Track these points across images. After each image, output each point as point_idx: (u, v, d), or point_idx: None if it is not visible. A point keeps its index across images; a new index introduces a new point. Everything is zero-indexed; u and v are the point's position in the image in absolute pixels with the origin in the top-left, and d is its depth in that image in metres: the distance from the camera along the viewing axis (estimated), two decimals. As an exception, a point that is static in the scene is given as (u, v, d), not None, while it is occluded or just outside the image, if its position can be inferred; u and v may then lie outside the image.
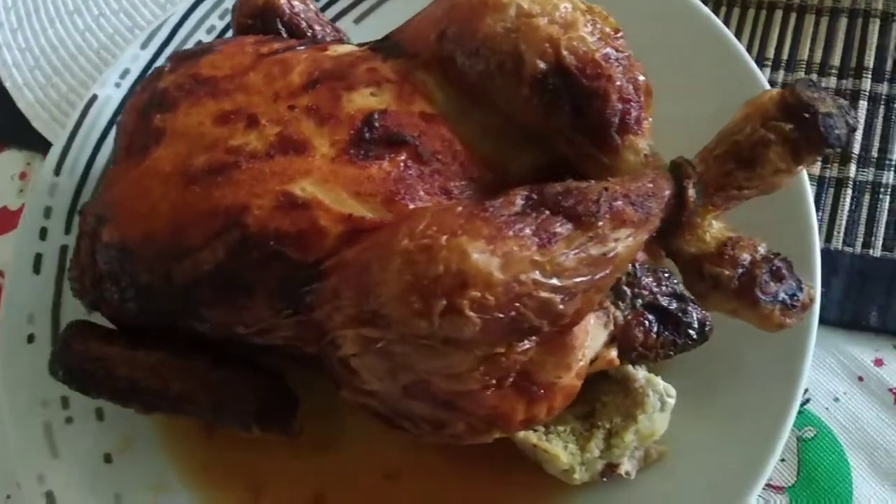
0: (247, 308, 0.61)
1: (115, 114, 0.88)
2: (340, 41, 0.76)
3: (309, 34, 0.75)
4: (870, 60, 0.82)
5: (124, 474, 0.77)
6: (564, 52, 0.58)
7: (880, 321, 0.74)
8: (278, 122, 0.62)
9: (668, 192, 0.56)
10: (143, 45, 0.90)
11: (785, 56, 0.84)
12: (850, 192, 0.78)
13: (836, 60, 0.83)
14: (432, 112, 0.62)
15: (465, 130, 0.63)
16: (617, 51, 0.59)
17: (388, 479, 0.74)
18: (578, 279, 0.53)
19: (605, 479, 0.68)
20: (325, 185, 0.59)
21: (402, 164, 0.59)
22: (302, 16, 0.75)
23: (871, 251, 0.76)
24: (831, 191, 0.79)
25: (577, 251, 0.53)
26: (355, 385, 0.60)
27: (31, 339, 0.80)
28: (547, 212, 0.53)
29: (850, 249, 0.76)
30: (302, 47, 0.68)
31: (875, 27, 0.84)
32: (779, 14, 0.86)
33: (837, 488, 0.70)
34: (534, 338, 0.54)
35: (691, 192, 0.56)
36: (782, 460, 0.72)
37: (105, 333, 0.70)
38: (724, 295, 0.56)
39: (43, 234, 0.84)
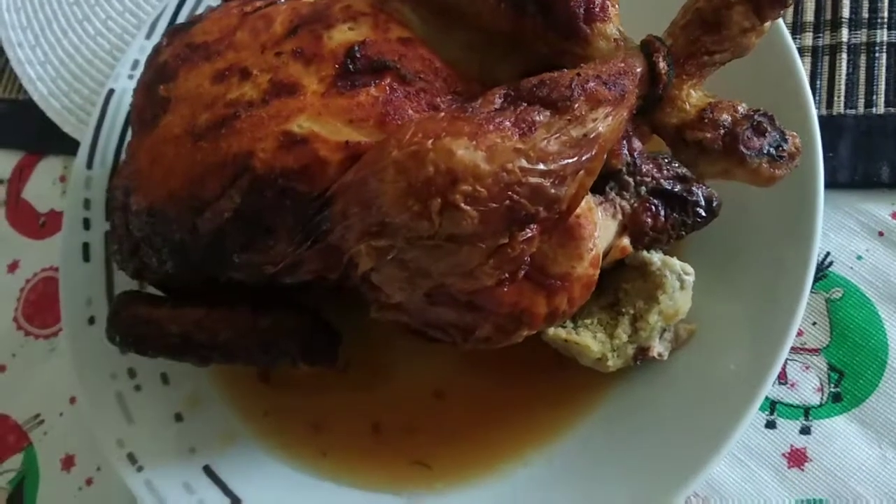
0: (271, 247, 0.65)
1: (133, 104, 0.93)
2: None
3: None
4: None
5: (195, 430, 0.82)
6: (523, -46, 0.60)
7: (892, 175, 0.74)
8: (268, 69, 0.65)
9: (639, 69, 0.58)
10: (148, 35, 0.95)
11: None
12: (845, 55, 0.78)
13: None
14: (409, 36, 0.65)
15: (446, 50, 0.65)
16: (572, -56, 0.61)
17: (437, 398, 0.78)
18: (564, 161, 0.55)
19: (638, 363, 0.70)
20: (319, 119, 0.62)
21: (387, 87, 0.62)
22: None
23: (874, 109, 0.76)
24: (826, 58, 0.79)
25: (557, 135, 0.55)
26: (382, 301, 0.64)
27: (91, 321, 0.86)
28: (524, 104, 0.56)
29: (852, 111, 0.77)
30: (282, 0, 0.71)
31: None
32: None
33: (872, 342, 0.70)
34: (534, 226, 0.57)
35: (662, 64, 0.57)
36: (814, 323, 0.73)
37: (151, 298, 0.75)
38: (711, 158, 0.57)
39: (86, 224, 0.90)
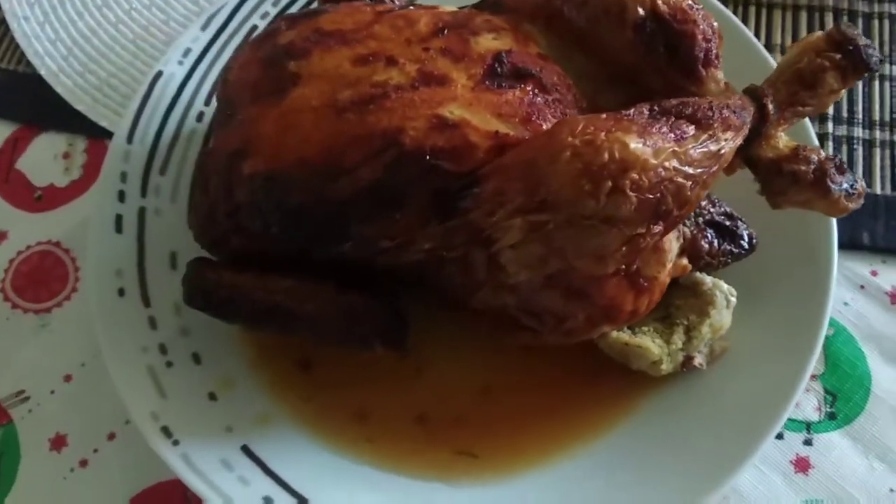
0: (397, 221, 0.69)
1: (180, 88, 0.94)
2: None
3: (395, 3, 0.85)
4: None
5: (231, 410, 0.81)
6: (659, 2, 0.71)
7: (871, 241, 0.91)
8: (416, 60, 0.71)
9: (752, 107, 0.70)
10: (203, 27, 0.97)
11: (762, 41, 1.02)
12: (831, 143, 0.96)
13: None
14: (545, 53, 0.74)
15: (568, 71, 0.75)
16: (695, 2, 0.73)
17: (483, 394, 0.83)
18: (701, 170, 0.65)
19: (684, 370, 0.79)
20: (470, 108, 0.68)
21: (531, 92, 0.70)
22: (400, -15, 0.85)
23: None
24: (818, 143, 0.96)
25: (701, 146, 0.65)
26: (500, 280, 0.69)
27: (121, 292, 0.84)
28: (673, 117, 0.66)
29: (839, 187, 0.94)
30: (412, 7, 0.78)
31: (829, 19, 1.03)
32: (752, 10, 1.05)
33: (858, 371, 0.85)
34: (663, 223, 0.66)
35: (770, 106, 0.70)
36: (812, 355, 0.86)
37: (232, 266, 0.76)
38: (802, 187, 0.70)
39: (121, 196, 0.88)
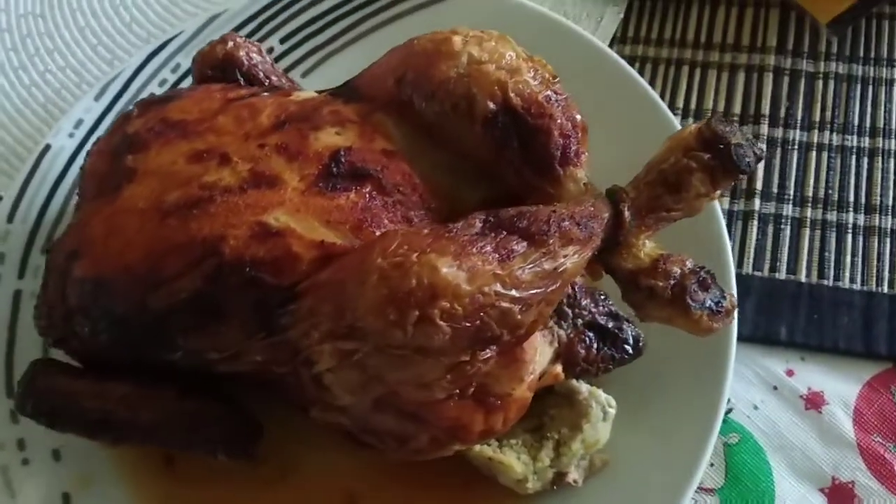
0: (221, 333, 0.65)
1: (69, 163, 0.91)
2: (297, 89, 0.82)
3: (266, 84, 0.81)
4: (765, 108, 0.93)
5: (83, 511, 0.78)
6: (511, 94, 0.65)
7: (789, 336, 0.82)
8: (250, 159, 0.67)
9: (606, 215, 0.63)
10: (97, 97, 0.93)
11: (693, 105, 0.95)
12: (756, 223, 0.88)
13: (736, 108, 0.94)
14: (392, 149, 0.68)
15: (422, 167, 0.69)
16: (556, 93, 0.67)
17: (348, 501, 0.78)
18: (533, 291, 0.59)
19: (555, 488, 0.73)
20: (297, 215, 0.64)
21: (367, 195, 0.65)
22: (260, 67, 0.81)
23: (777, 274, 0.85)
24: (739, 222, 0.88)
25: (532, 266, 0.59)
26: (327, 401, 0.64)
27: (-15, 383, 0.81)
28: (504, 232, 0.60)
29: (759, 273, 0.86)
30: (266, 94, 0.73)
31: (769, 80, 0.95)
32: (685, 69, 0.97)
33: (761, 487, 0.77)
34: (494, 347, 0.60)
35: (627, 213, 0.63)
36: (711, 465, 0.79)
37: (70, 369, 0.73)
38: (659, 303, 0.63)
39: (-5, 279, 0.86)
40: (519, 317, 0.59)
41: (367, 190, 0.65)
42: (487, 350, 0.60)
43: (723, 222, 0.77)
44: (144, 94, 0.94)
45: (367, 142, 0.68)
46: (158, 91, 0.94)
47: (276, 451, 0.78)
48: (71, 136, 0.92)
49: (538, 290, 0.60)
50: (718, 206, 0.78)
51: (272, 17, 0.96)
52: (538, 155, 0.66)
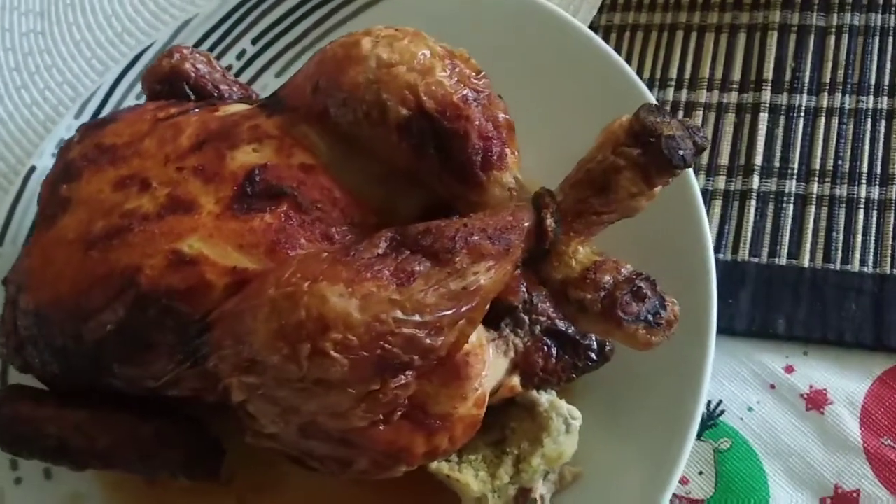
0: (151, 363, 0.64)
1: (54, 183, 0.92)
2: (248, 98, 0.79)
3: (216, 94, 0.79)
4: (769, 73, 0.84)
5: (72, 528, 0.79)
6: (424, 98, 0.61)
7: (788, 328, 0.74)
8: (168, 183, 0.65)
9: (527, 224, 0.58)
10: (77, 115, 0.94)
11: (687, 75, 0.86)
12: (754, 203, 0.80)
13: (736, 75, 0.85)
14: (312, 163, 0.65)
15: (349, 178, 0.65)
16: (476, 91, 0.61)
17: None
18: (441, 313, 0.55)
19: (519, 504, 0.69)
20: (210, 241, 0.62)
21: (282, 214, 0.62)
22: (207, 77, 0.79)
23: (776, 260, 0.77)
24: (736, 203, 0.80)
25: (435, 287, 0.55)
26: (256, 429, 0.62)
27: (-23, 407, 0.84)
28: (407, 252, 0.56)
29: (756, 259, 0.78)
30: (196, 110, 0.71)
31: (773, 40, 0.85)
32: (679, 35, 0.88)
33: (755, 497, 0.70)
34: (409, 372, 0.56)
35: (549, 221, 0.58)
36: (700, 473, 0.73)
37: (36, 395, 0.73)
38: (590, 318, 0.57)
39: (-13, 301, 0.88)
40: (428, 341, 0.55)
41: (283, 209, 0.62)
42: (401, 377, 0.56)
43: (699, 198, 0.70)
44: (124, 107, 0.94)
45: (285, 157, 0.64)
46: (137, 104, 0.94)
47: (257, 465, 0.78)
48: (54, 155, 0.92)
49: (448, 312, 0.55)
50: (698, 193, 0.71)
51: (241, 18, 0.94)
52: (457, 161, 0.61)
